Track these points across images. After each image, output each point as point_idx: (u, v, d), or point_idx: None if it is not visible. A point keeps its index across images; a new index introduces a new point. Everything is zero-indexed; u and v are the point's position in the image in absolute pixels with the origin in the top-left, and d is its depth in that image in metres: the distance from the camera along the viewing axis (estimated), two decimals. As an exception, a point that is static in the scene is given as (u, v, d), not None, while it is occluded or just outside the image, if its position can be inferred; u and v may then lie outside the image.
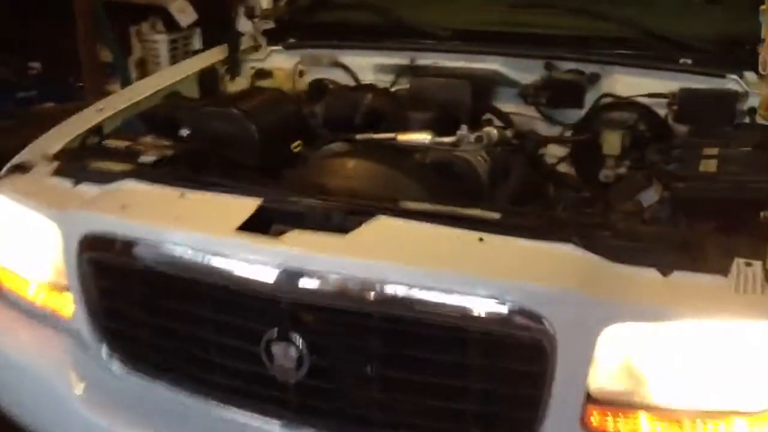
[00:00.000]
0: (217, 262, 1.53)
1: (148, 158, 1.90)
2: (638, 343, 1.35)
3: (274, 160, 2.18)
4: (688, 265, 1.37)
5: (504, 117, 2.34)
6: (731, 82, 2.18)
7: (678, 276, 1.36)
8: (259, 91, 2.38)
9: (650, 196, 1.80)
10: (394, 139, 2.06)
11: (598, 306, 1.33)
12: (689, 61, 2.24)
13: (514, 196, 1.86)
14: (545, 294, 1.35)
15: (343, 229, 1.51)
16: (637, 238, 1.45)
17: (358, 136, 2.10)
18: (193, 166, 1.98)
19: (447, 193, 1.78)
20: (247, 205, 1.61)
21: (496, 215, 1.53)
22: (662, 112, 2.22)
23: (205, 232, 1.56)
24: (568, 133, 2.35)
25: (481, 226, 1.48)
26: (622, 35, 2.33)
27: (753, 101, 2.14)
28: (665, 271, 1.36)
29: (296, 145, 2.23)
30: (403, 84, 2.49)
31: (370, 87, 2.35)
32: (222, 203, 1.66)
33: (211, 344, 1.61)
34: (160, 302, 1.65)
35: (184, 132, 2.23)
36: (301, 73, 2.67)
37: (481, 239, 1.45)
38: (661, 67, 2.26)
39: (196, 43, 5.07)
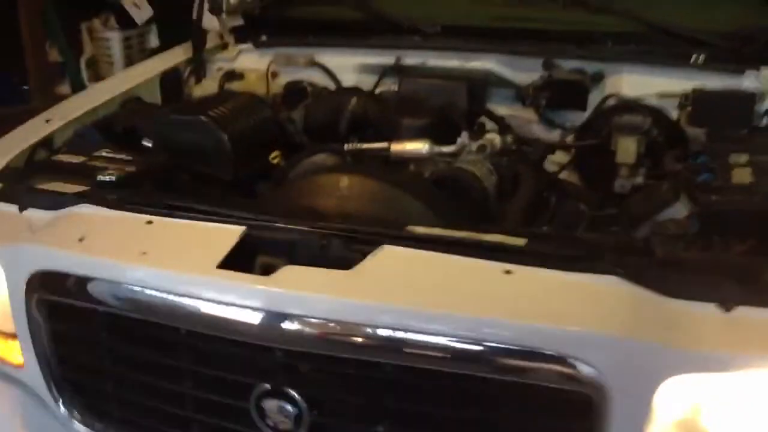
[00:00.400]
0: (196, 305, 1.29)
1: (107, 177, 1.64)
2: (704, 396, 1.15)
3: (251, 173, 1.94)
4: (754, 299, 1.17)
5: (501, 122, 2.13)
6: (748, 80, 2.01)
7: (742, 312, 1.17)
8: (229, 96, 2.13)
9: (677, 211, 1.61)
10: (386, 149, 1.84)
11: (655, 354, 1.13)
12: (702, 58, 2.06)
13: (526, 213, 1.65)
14: (592, 340, 1.14)
15: (344, 263, 1.28)
16: (690, 266, 1.25)
17: (346, 147, 1.87)
18: (161, 185, 1.73)
19: (455, 213, 1.57)
20: (228, 234, 1.37)
21: (520, 241, 1.31)
22: (673, 113, 2.04)
23: (181, 271, 1.31)
24: (571, 138, 2.17)
25: (505, 255, 1.27)
26: (627, 30, 2.14)
27: (776, 102, 1.97)
28: (728, 306, 1.17)
29: (274, 156, 1.99)
30: (388, 85, 2.28)
31: (355, 90, 2.13)
32: (198, 232, 1.42)
33: (188, 399, 1.37)
34: (126, 350, 1.41)
35: (147, 143, 1.99)
36: (275, 75, 2.42)
37: (507, 272, 1.24)
38: (670, 64, 2.08)
39: (153, 40, 4.76)
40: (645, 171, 1.85)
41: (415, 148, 1.80)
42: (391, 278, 1.25)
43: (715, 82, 2.02)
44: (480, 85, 2.14)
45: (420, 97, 2.07)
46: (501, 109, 2.21)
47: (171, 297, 1.30)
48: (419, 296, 1.22)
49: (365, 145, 1.86)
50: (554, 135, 2.23)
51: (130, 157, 1.83)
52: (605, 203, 1.92)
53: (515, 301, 1.20)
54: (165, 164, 1.87)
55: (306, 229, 1.37)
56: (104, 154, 1.84)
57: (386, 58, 2.30)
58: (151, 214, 1.46)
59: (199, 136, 1.91)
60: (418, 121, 1.94)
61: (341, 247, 1.32)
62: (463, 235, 1.33)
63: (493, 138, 1.88)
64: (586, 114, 2.15)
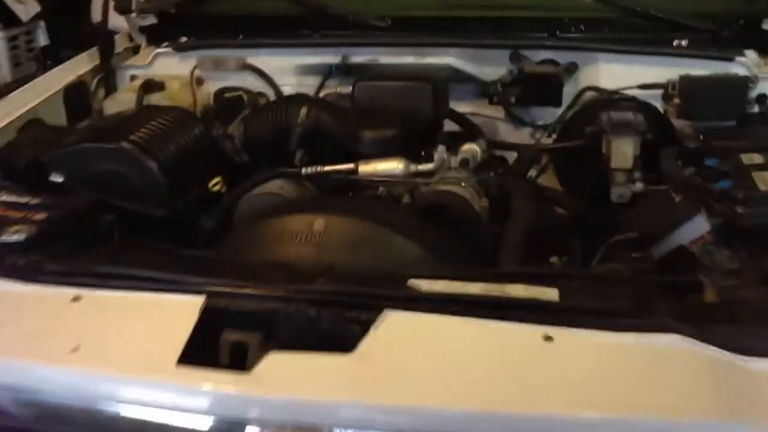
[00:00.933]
0: (154, 417, 0.99)
1: (14, 236, 1.30)
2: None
3: (189, 206, 1.63)
4: None
5: (471, 125, 1.88)
6: (737, 66, 1.83)
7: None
8: (152, 112, 1.79)
9: (699, 227, 1.41)
10: (353, 171, 1.55)
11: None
12: (685, 43, 1.87)
13: (527, 243, 1.41)
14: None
15: (341, 340, 1.01)
16: (760, 313, 1.04)
17: (304, 170, 1.58)
18: (83, 237, 1.40)
19: (452, 250, 1.31)
20: (184, 309, 1.07)
21: (551, 293, 1.07)
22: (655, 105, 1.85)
23: (129, 373, 1.00)
24: (549, 139, 1.95)
25: (539, 315, 1.03)
26: (601, 15, 1.94)
27: (763, 87, 1.80)
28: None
29: (215, 183, 1.69)
30: (334, 88, 1.99)
31: (301, 97, 1.83)
32: (143, 309, 1.11)
33: None
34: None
35: (57, 178, 1.63)
36: (200, 81, 2.10)
37: (547, 337, 1.00)
38: (650, 51, 1.88)
39: (41, 39, 4.25)
40: (642, 176, 1.65)
41: (387, 168, 1.53)
42: (408, 362, 0.99)
43: (699, 69, 1.84)
44: (445, 85, 1.88)
45: (379, 102, 1.79)
46: (461, 107, 1.97)
47: (118, 407, 0.99)
48: (455, 390, 0.95)
49: (326, 168, 1.57)
50: (523, 134, 2.01)
51: (37, 200, 1.48)
52: (596, 213, 1.72)
53: (571, 383, 0.95)
54: (83, 207, 1.52)
55: (284, 295, 1.08)
56: (3, 198, 1.48)
57: (330, 57, 2.02)
58: (77, 286, 1.14)
59: (122, 166, 1.59)
60: (382, 132, 1.67)
61: (333, 318, 1.04)
62: (480, 290, 1.08)
63: (474, 149, 1.62)
64: (560, 110, 1.94)
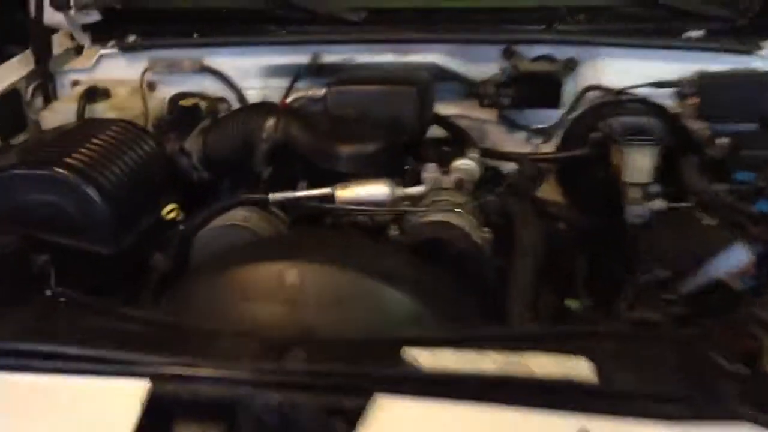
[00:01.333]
0: None
1: None
2: None
3: (139, 241, 1.40)
4: None
5: (462, 133, 1.66)
6: (758, 60, 1.63)
7: None
8: (93, 127, 1.54)
9: (738, 256, 1.21)
10: (329, 196, 1.33)
11: None
12: (699, 34, 1.66)
13: (538, 285, 1.20)
14: None
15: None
16: None
17: (272, 197, 1.35)
18: (10, 286, 1.16)
19: (452, 300, 1.09)
20: (125, 397, 0.85)
21: (585, 369, 0.86)
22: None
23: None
24: (548, 146, 1.74)
25: (574, 401, 0.81)
26: (605, 3, 1.73)
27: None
28: None
29: (170, 211, 1.45)
30: (304, 92, 1.76)
31: (268, 106, 1.59)
32: (72, 395, 0.88)
33: None
34: None
35: (-20, 211, 1.39)
36: (152, 86, 1.85)
37: None
38: (661, 44, 1.67)
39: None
40: (660, 190, 1.44)
41: (370, 193, 1.30)
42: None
43: (714, 64, 1.64)
44: (430, 87, 1.65)
45: (356, 110, 1.56)
46: (446, 109, 1.75)
47: None
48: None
49: (298, 193, 1.34)
50: (518, 139, 1.80)
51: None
52: (606, 232, 1.52)
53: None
54: (10, 246, 1.29)
55: (249, 377, 0.86)
56: None
57: (299, 57, 1.78)
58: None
59: (57, 196, 1.35)
60: (362, 147, 1.44)
61: (311, 409, 0.83)
62: (496, 366, 0.86)
63: (469, 165, 1.40)
64: (560, 112, 1.73)
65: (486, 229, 1.26)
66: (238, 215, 1.33)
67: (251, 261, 1.06)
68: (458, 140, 1.68)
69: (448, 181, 1.34)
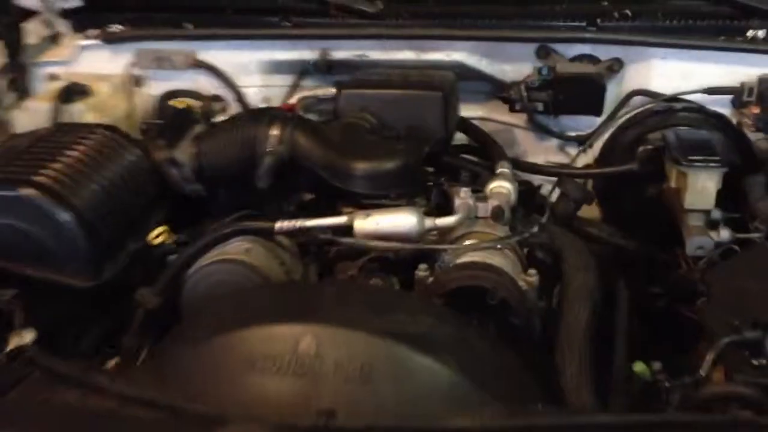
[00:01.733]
0: None
1: None
2: None
3: (123, 272, 1.20)
4: None
5: (492, 144, 1.47)
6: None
7: None
8: (68, 134, 1.32)
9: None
10: (347, 226, 1.12)
11: None
12: (762, 34, 1.47)
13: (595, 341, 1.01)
14: None
15: None
16: None
17: (279, 226, 1.15)
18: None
19: (495, 368, 0.90)
20: None
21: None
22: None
23: None
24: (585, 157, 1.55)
25: None
26: (654, -1, 1.52)
27: None
28: None
29: (158, 235, 1.25)
30: (311, 90, 1.56)
31: (273, 113, 1.37)
32: None
33: None
34: None
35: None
36: (139, 82, 1.64)
37: None
38: (718, 45, 1.48)
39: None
40: (724, 217, 1.25)
41: (396, 225, 1.10)
42: None
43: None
44: (455, 91, 1.45)
45: (373, 117, 1.36)
46: (466, 110, 1.55)
47: None
48: None
49: (309, 222, 1.14)
50: (549, 146, 1.61)
51: None
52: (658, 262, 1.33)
53: None
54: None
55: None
56: None
57: (305, 52, 1.58)
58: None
59: (25, 221, 1.15)
60: (380, 165, 1.24)
61: None
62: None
63: (506, 188, 1.20)
64: (601, 118, 1.53)
65: (532, 272, 1.06)
66: (238, 248, 1.13)
67: (257, 322, 0.86)
68: (485, 150, 1.49)
69: (484, 208, 1.15)
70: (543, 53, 1.52)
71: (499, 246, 1.09)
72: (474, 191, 1.21)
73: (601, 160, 1.53)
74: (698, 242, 1.22)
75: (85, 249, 1.16)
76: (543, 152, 1.61)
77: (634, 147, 1.43)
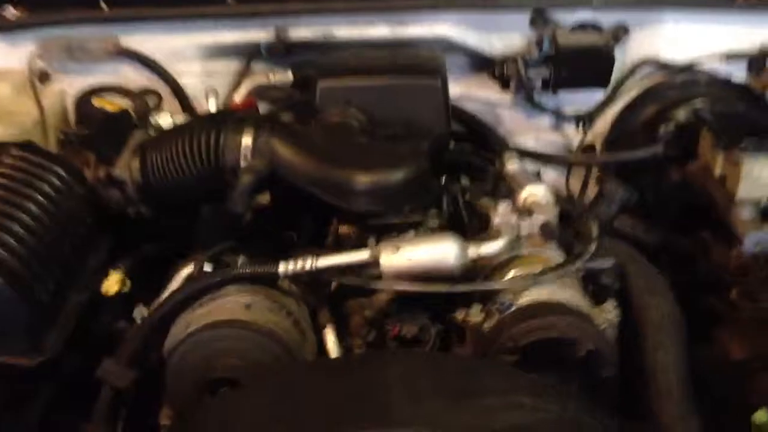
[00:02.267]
0: None
1: None
2: None
3: (73, 338, 0.93)
4: None
5: (489, 132, 1.26)
6: None
7: None
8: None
9: None
10: (372, 263, 0.88)
11: None
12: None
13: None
14: None
15: None
16: None
17: (282, 268, 0.89)
18: None
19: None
20: None
21: None
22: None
23: None
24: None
25: None
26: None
27: None
28: None
29: (114, 283, 0.97)
30: (263, 75, 1.29)
31: (238, 116, 1.09)
32: None
33: None
34: None
35: None
36: (45, 78, 1.31)
37: None
38: (729, 7, 1.31)
39: None
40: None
41: (433, 257, 0.87)
42: None
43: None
44: (445, 73, 1.22)
45: (361, 114, 1.11)
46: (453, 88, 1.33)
47: None
48: None
49: (323, 262, 0.88)
50: (541, 126, 1.42)
51: None
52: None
53: None
54: None
55: None
56: None
57: (255, 32, 1.30)
58: None
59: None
60: (389, 176, 0.99)
61: None
62: None
63: (542, 193, 0.98)
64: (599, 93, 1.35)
65: (608, 306, 0.86)
66: (234, 303, 0.87)
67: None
68: (480, 138, 1.28)
69: (528, 225, 0.93)
70: (538, 21, 1.31)
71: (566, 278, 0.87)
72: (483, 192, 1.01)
73: (609, 141, 1.34)
74: (756, 238, 1.06)
75: (18, 319, 0.87)
76: (533, 133, 1.42)
77: (652, 126, 1.25)
